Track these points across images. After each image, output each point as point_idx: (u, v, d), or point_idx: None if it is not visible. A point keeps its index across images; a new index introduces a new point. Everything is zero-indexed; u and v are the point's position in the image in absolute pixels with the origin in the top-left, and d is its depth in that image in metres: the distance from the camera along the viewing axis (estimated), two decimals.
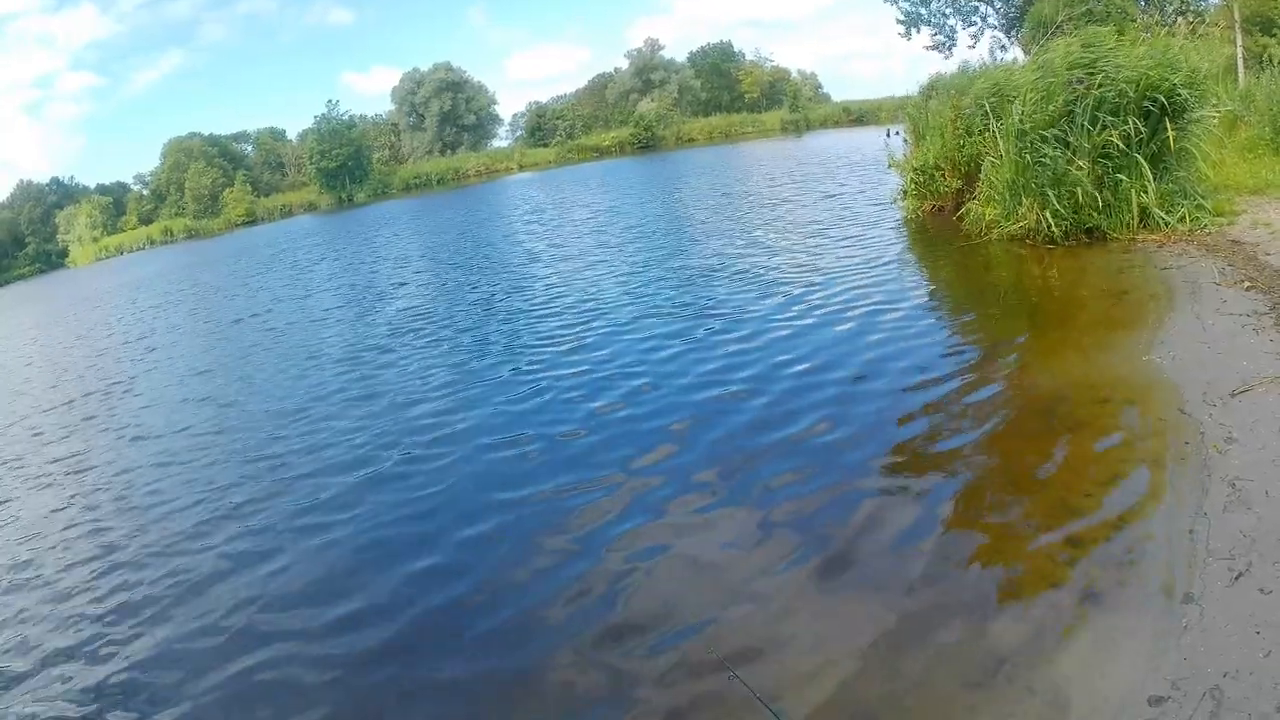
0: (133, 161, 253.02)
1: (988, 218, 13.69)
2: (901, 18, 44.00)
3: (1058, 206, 11.87)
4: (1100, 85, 11.59)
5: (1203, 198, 11.68)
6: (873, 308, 10.68)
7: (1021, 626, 4.34)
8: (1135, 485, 5.47)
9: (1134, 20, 19.61)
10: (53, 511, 8.83)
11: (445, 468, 7.77)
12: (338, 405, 10.43)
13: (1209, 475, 5.25)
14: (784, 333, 10.15)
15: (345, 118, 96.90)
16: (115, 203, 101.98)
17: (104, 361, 18.02)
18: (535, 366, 10.49)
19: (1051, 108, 12.09)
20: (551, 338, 11.75)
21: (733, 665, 4.36)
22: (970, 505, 5.71)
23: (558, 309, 13.57)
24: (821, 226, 17.95)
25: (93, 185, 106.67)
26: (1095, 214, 11.78)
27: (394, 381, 11.01)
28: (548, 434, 8.15)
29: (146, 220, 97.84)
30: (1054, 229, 11.96)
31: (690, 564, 5.49)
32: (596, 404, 8.74)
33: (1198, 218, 11.30)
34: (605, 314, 12.59)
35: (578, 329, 11.95)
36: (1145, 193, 11.44)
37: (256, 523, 7.33)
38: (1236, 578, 4.24)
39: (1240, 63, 19.63)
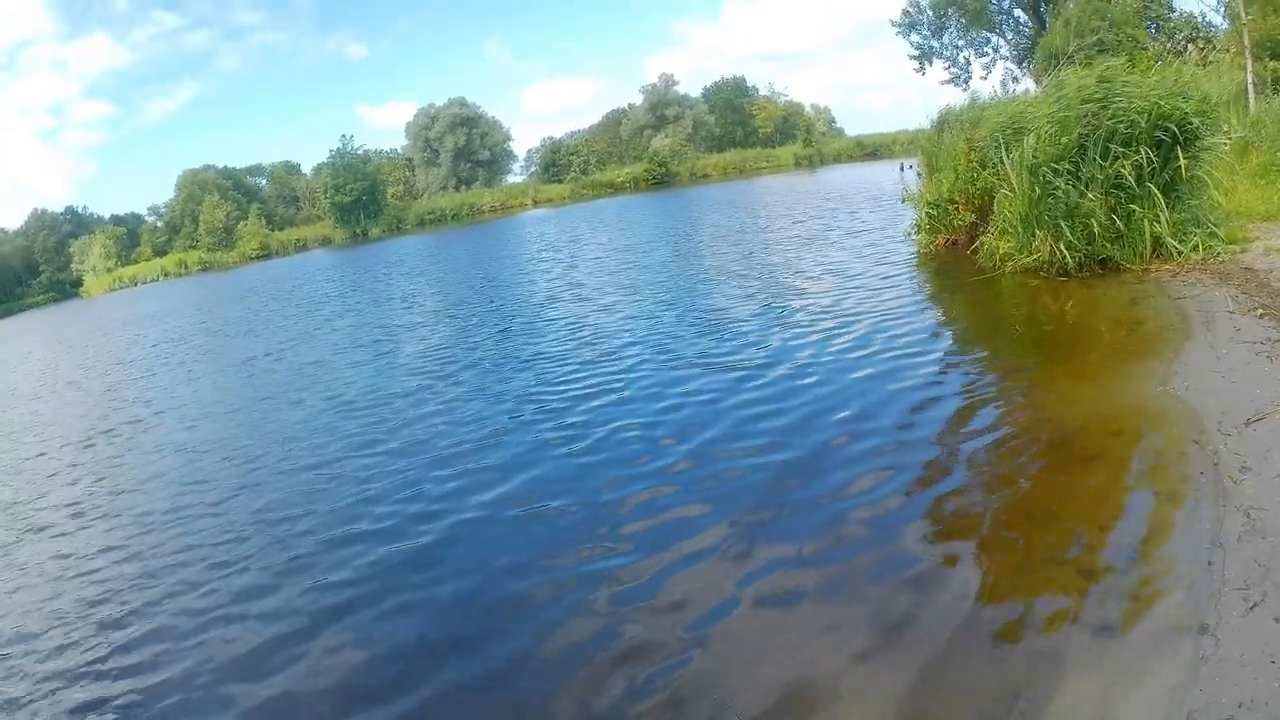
0: (146, 191, 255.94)
1: (1002, 251, 13.75)
2: (914, 52, 44.33)
3: (1071, 238, 11.90)
4: (1113, 116, 11.64)
5: (1215, 225, 11.76)
6: (892, 348, 10.59)
7: (1036, 660, 4.32)
8: (1150, 516, 5.46)
9: (1145, 48, 19.64)
10: (50, 566, 8.43)
11: (468, 532, 7.24)
12: (352, 458, 9.94)
13: (1224, 505, 5.23)
14: (811, 379, 9.84)
15: (360, 152, 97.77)
16: (129, 233, 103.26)
17: (112, 400, 17.83)
18: (556, 418, 10.06)
19: (1065, 140, 12.14)
20: (571, 386, 11.35)
21: None
22: (985, 539, 5.69)
23: (576, 356, 13.15)
24: (839, 264, 17.93)
25: (106, 215, 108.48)
26: (1109, 245, 11.81)
27: (410, 434, 10.48)
28: (574, 491, 7.68)
29: (161, 251, 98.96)
30: (1068, 261, 12.00)
31: (718, 633, 5.24)
32: (623, 459, 8.34)
33: (1211, 246, 11.36)
34: (627, 361, 12.21)
35: (598, 378, 11.52)
36: (1158, 222, 11.49)
37: (267, 593, 6.79)
38: (1252, 608, 4.21)
39: (1250, 88, 19.67)
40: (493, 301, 21.78)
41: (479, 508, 7.74)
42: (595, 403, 10.43)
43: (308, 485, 9.31)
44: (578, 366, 12.41)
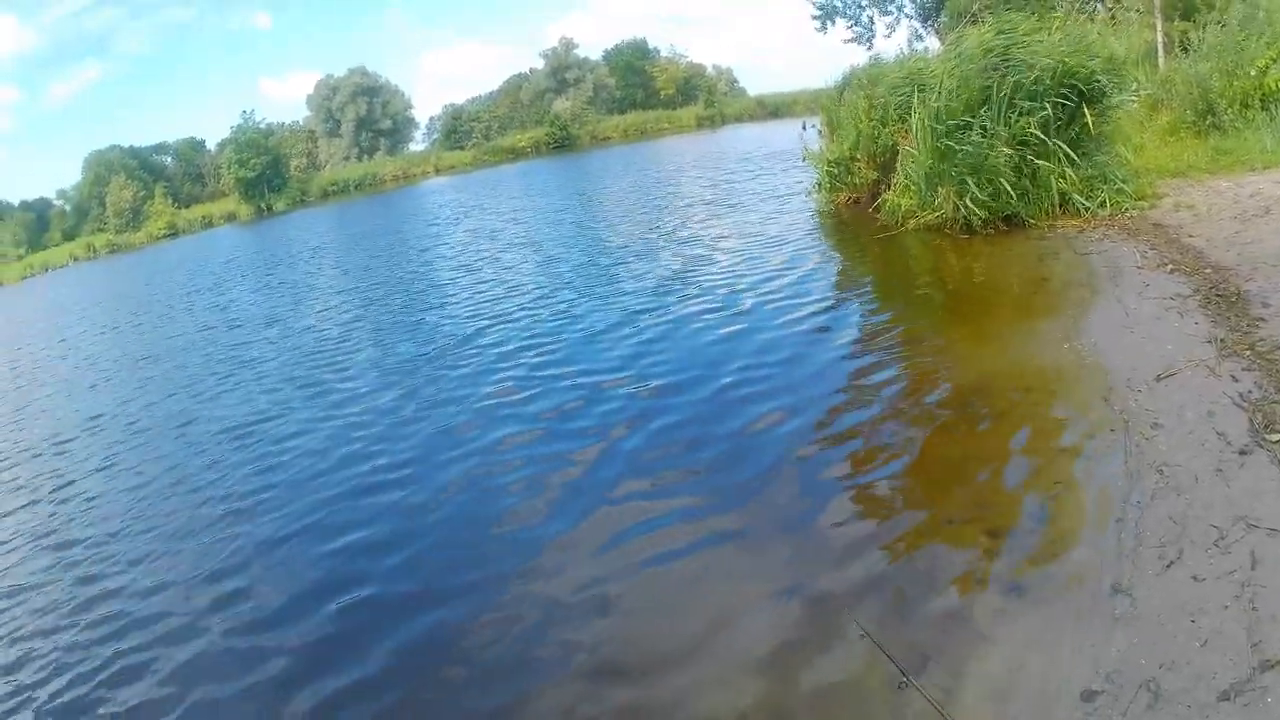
0: (55, 175, 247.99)
1: (904, 208, 13.87)
2: (816, 11, 44.24)
3: (978, 194, 11.98)
4: (1016, 70, 11.77)
5: (1123, 182, 11.98)
6: (798, 310, 10.50)
7: (946, 624, 4.29)
8: (1059, 475, 5.47)
9: (1053, 8, 19.95)
10: None
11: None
12: (251, 503, 7.95)
13: (1136, 462, 5.26)
14: (721, 345, 9.65)
15: (262, 126, 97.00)
16: (39, 219, 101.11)
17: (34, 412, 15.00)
18: (476, 440, 8.41)
19: (966, 95, 12.25)
20: (485, 392, 9.85)
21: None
22: (891, 503, 5.67)
23: (481, 349, 11.71)
24: (744, 226, 17.81)
25: (16, 202, 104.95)
26: (1014, 201, 11.94)
27: (330, 473, 8.38)
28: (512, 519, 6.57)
29: (70, 236, 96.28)
30: (972, 217, 12.13)
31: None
32: (547, 470, 7.33)
33: (1119, 202, 11.61)
34: (535, 357, 10.80)
35: (511, 377, 10.22)
36: (1065, 178, 11.71)
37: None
38: (1168, 566, 4.22)
39: (1160, 48, 20.19)
40: (401, 281, 20.11)
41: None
42: (516, 412, 8.98)
43: (223, 551, 7.14)
44: (484, 369, 10.83)
